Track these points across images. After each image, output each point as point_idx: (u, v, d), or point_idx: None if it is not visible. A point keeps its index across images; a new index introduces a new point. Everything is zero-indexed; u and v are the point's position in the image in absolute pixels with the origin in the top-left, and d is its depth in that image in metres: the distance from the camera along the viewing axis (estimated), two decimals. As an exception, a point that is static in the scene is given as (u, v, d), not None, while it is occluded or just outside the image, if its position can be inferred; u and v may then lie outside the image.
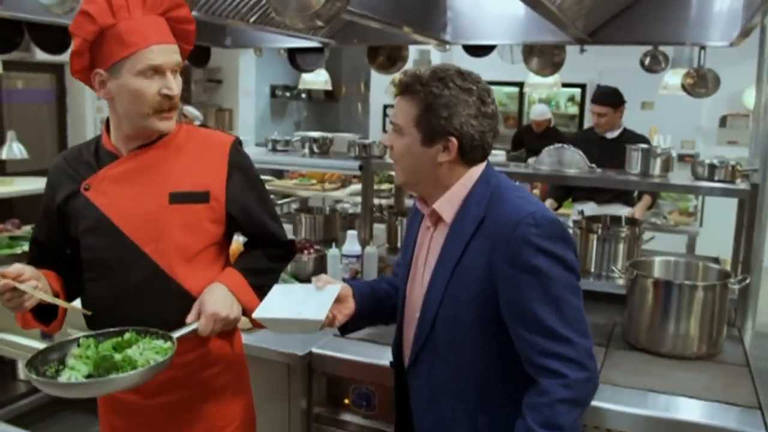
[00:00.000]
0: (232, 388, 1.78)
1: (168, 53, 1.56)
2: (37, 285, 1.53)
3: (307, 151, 3.33)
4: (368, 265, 2.77)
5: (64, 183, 1.67)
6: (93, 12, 1.51)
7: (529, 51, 3.86)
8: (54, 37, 3.50)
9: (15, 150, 5.10)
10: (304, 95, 10.91)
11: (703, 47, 3.94)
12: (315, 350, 2.16)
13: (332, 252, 2.78)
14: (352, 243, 2.70)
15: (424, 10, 3.71)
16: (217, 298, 1.62)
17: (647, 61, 4.70)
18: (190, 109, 8.41)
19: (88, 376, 1.43)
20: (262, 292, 1.69)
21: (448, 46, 4.05)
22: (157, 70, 1.54)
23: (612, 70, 7.06)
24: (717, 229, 5.36)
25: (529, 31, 3.62)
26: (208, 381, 1.72)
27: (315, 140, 3.31)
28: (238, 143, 1.75)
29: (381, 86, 8.42)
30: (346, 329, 1.68)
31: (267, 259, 1.79)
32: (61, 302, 1.60)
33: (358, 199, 4.74)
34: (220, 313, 1.60)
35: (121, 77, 1.54)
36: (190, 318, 1.60)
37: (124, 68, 1.53)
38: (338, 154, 3.49)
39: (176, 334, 1.54)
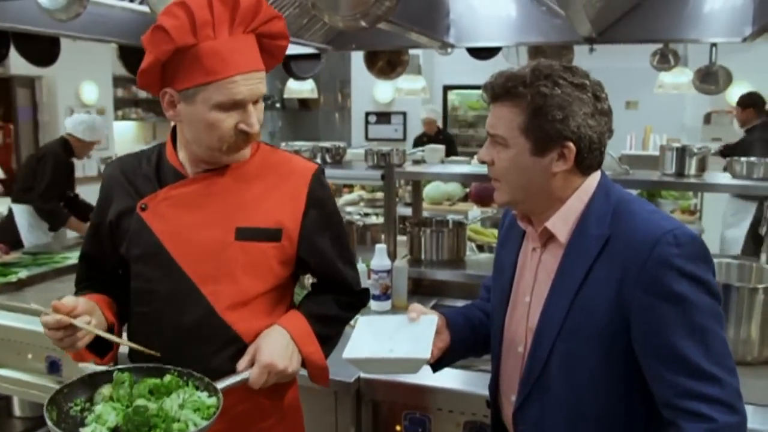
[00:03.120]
0: None
1: (253, 84, 1.33)
2: (90, 320, 1.32)
3: (318, 161, 3.17)
4: (398, 280, 2.63)
5: (118, 196, 1.47)
6: (170, 28, 1.27)
7: (536, 52, 3.79)
8: (42, 49, 3.30)
9: (-8, 170, 4.86)
10: (278, 105, 10.74)
11: (714, 44, 3.91)
12: (363, 375, 2.01)
13: (359, 267, 2.62)
14: (381, 257, 2.56)
15: (426, 13, 3.60)
16: (276, 347, 1.40)
17: (656, 59, 4.65)
18: None
19: (112, 430, 1.23)
20: (327, 344, 1.51)
21: (450, 49, 3.96)
22: (236, 104, 1.33)
23: (596, 69, 7.00)
24: (715, 226, 5.39)
25: (535, 31, 3.54)
26: None
27: (327, 150, 3.16)
28: (320, 173, 1.52)
29: (362, 94, 8.33)
30: (439, 365, 1.51)
31: (337, 306, 1.56)
32: (123, 341, 1.39)
33: (350, 209, 4.60)
34: (277, 365, 1.38)
35: (194, 105, 1.33)
36: (241, 365, 1.39)
37: (199, 96, 1.32)
38: (348, 164, 3.35)
39: (222, 384, 1.32)
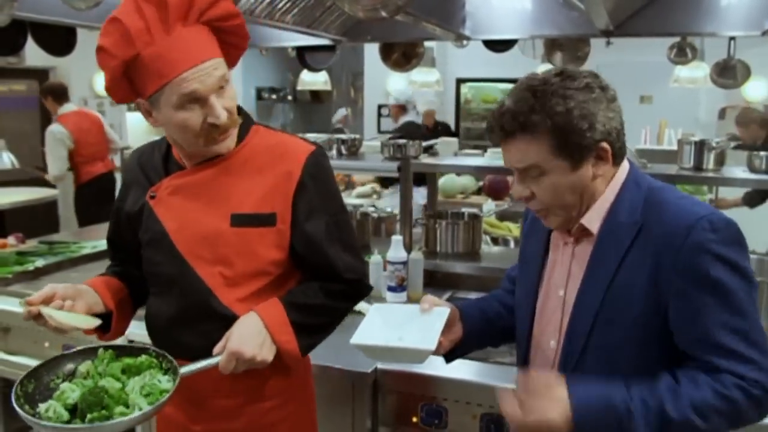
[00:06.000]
0: (291, 422, 1.58)
1: (203, 75, 1.32)
2: (72, 305, 1.40)
3: (334, 152, 3.17)
4: (413, 272, 2.62)
5: (136, 185, 1.56)
6: (108, 46, 1.30)
7: (552, 45, 3.76)
8: (59, 38, 3.30)
9: (5, 159, 4.88)
10: (290, 97, 10.73)
11: (732, 38, 3.87)
12: (381, 366, 2.01)
13: (375, 259, 2.63)
14: (397, 249, 2.55)
15: (442, 4, 3.58)
16: (246, 334, 1.39)
17: (673, 53, 4.60)
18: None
19: (72, 407, 1.28)
20: (307, 333, 1.48)
21: (465, 41, 3.94)
22: (195, 99, 1.33)
23: (609, 64, 6.98)
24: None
25: (551, 24, 3.51)
26: (263, 414, 1.53)
27: (344, 141, 3.16)
28: (318, 154, 1.50)
29: (375, 87, 8.31)
30: (452, 356, 1.50)
31: (322, 293, 1.50)
32: (76, 322, 1.42)
33: (357, 201, 4.58)
34: (244, 353, 1.36)
35: (160, 109, 1.36)
36: (217, 349, 1.39)
37: (161, 100, 1.34)
38: (363, 156, 3.34)
39: (187, 369, 1.34)
